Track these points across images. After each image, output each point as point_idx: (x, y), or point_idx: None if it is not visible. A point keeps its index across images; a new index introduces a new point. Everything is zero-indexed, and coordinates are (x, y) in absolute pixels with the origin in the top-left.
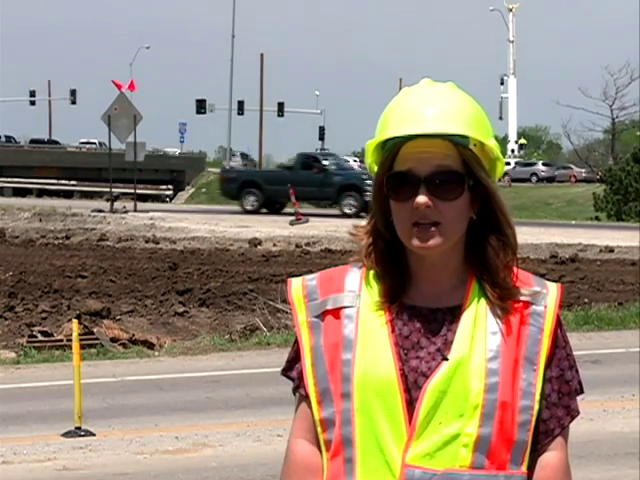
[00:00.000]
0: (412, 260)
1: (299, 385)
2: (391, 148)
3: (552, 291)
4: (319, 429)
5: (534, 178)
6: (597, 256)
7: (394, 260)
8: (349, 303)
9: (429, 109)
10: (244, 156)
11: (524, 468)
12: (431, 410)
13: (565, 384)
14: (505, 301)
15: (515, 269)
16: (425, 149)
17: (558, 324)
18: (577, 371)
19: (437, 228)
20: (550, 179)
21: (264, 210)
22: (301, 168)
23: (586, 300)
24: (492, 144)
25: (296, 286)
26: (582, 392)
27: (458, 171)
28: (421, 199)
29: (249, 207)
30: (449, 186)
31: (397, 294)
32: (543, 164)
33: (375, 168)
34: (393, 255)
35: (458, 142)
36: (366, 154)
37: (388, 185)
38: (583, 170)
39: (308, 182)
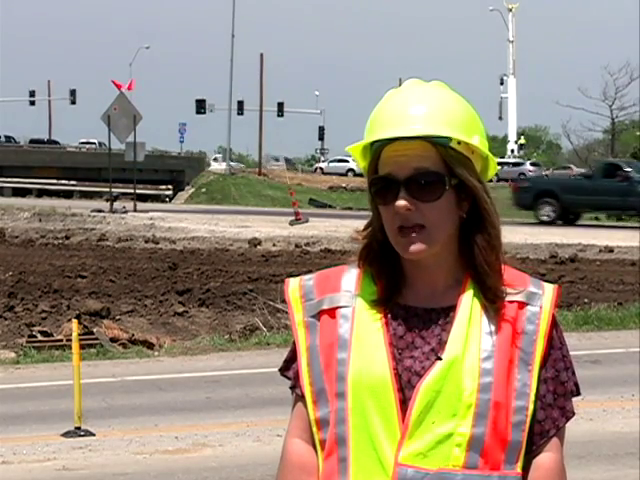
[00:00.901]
0: (406, 261)
1: (295, 385)
2: (374, 152)
3: (548, 292)
4: (314, 429)
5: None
6: (597, 256)
7: (388, 262)
8: (345, 303)
9: (406, 112)
10: (287, 160)
11: (519, 469)
12: (424, 409)
13: (560, 385)
14: (495, 302)
15: (504, 268)
16: (403, 152)
17: (554, 325)
18: (574, 373)
19: (421, 231)
20: None
21: (559, 222)
22: (602, 176)
23: (586, 300)
24: (476, 142)
25: (293, 286)
26: (579, 394)
27: (437, 171)
28: (400, 203)
29: (544, 217)
30: (429, 187)
31: (392, 294)
32: (531, 164)
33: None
34: (387, 257)
35: (437, 142)
36: (355, 159)
37: (372, 189)
38: (583, 170)
39: (610, 191)
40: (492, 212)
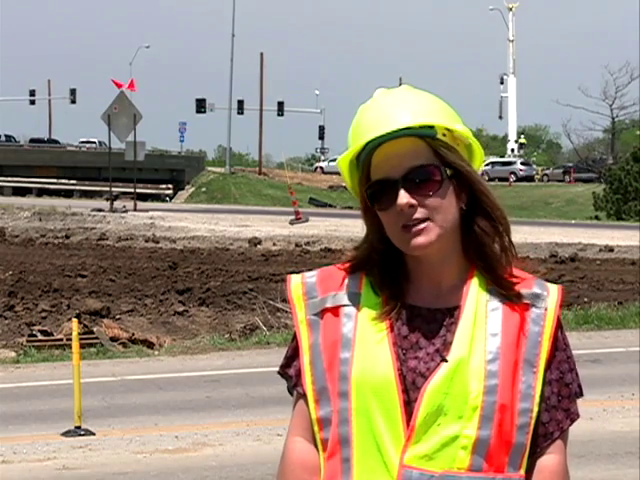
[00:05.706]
0: (410, 262)
1: (297, 383)
2: (363, 162)
3: (553, 293)
4: (316, 428)
5: (513, 177)
6: (597, 255)
7: (390, 269)
8: (348, 302)
9: (389, 112)
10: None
11: (522, 471)
12: (430, 411)
13: (565, 387)
14: (508, 289)
15: (514, 252)
16: (393, 152)
17: (558, 327)
18: (577, 374)
19: (426, 225)
20: (529, 178)
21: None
22: None
23: (586, 299)
24: (461, 129)
25: (295, 283)
26: (582, 395)
27: (431, 164)
28: (402, 200)
29: None
30: (427, 181)
31: (397, 296)
32: (522, 163)
33: (357, 189)
34: (389, 265)
35: (424, 134)
36: (344, 178)
37: (369, 197)
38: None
39: None
40: (492, 195)
